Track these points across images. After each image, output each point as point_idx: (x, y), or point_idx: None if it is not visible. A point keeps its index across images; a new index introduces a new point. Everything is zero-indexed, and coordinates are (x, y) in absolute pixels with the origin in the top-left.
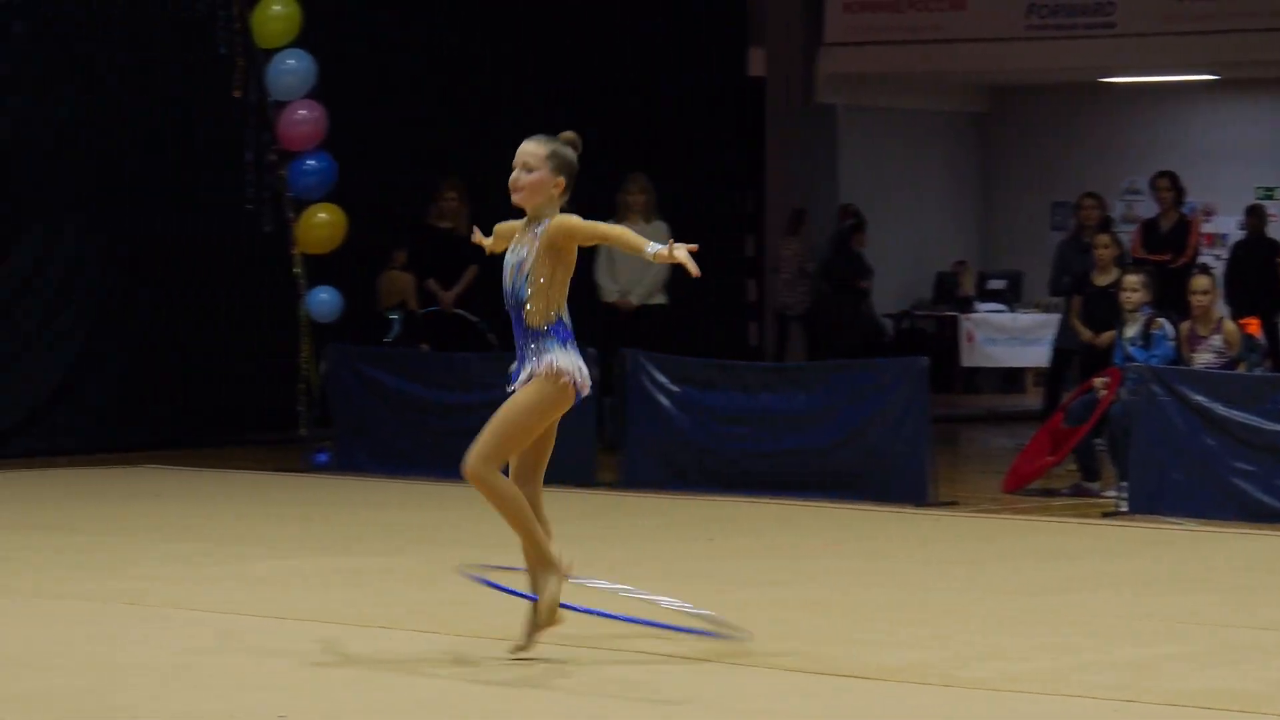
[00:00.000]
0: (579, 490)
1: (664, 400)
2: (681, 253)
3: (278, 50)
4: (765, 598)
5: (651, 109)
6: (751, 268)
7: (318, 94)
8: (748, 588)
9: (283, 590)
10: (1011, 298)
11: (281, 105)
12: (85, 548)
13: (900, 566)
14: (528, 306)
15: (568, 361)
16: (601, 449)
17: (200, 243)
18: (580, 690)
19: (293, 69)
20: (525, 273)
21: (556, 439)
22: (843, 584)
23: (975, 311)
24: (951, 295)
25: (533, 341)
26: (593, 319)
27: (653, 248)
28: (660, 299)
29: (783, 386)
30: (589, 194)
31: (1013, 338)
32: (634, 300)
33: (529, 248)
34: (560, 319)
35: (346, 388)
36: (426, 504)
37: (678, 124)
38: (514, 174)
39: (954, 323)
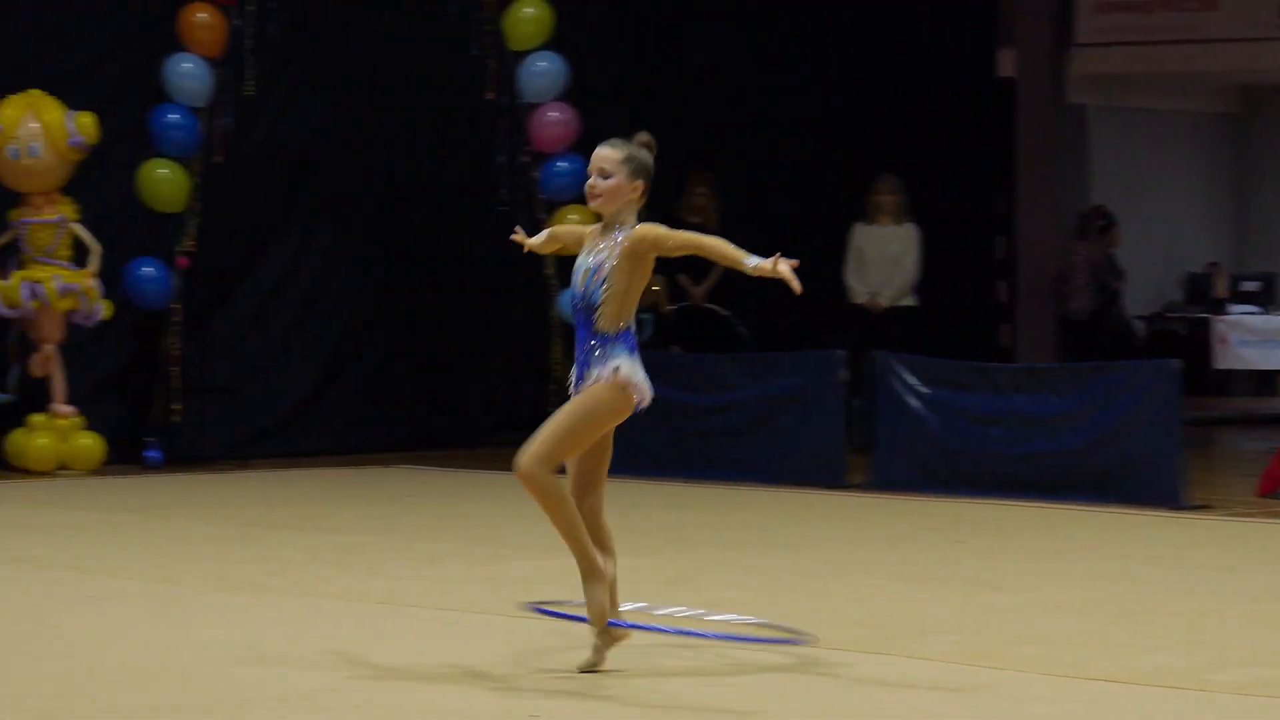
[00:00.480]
0: (829, 492)
1: (914, 402)
2: (784, 267)
3: (530, 52)
4: (1015, 601)
5: (902, 110)
6: (1002, 269)
7: (569, 95)
8: (997, 591)
9: (533, 590)
10: (1265, 300)
11: (533, 107)
12: (339, 547)
13: (1152, 570)
14: (600, 312)
15: (633, 371)
16: (851, 451)
17: (453, 244)
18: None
19: (544, 71)
20: (602, 278)
21: (808, 439)
22: (1093, 587)
23: (1228, 314)
24: (1203, 297)
25: (599, 347)
26: (842, 321)
27: (752, 260)
28: (910, 300)
29: (1034, 388)
30: (839, 194)
31: (1267, 340)
32: (883, 302)
33: (608, 253)
34: (629, 328)
35: None
36: (676, 505)
37: (928, 125)
38: (590, 180)
39: (1206, 324)
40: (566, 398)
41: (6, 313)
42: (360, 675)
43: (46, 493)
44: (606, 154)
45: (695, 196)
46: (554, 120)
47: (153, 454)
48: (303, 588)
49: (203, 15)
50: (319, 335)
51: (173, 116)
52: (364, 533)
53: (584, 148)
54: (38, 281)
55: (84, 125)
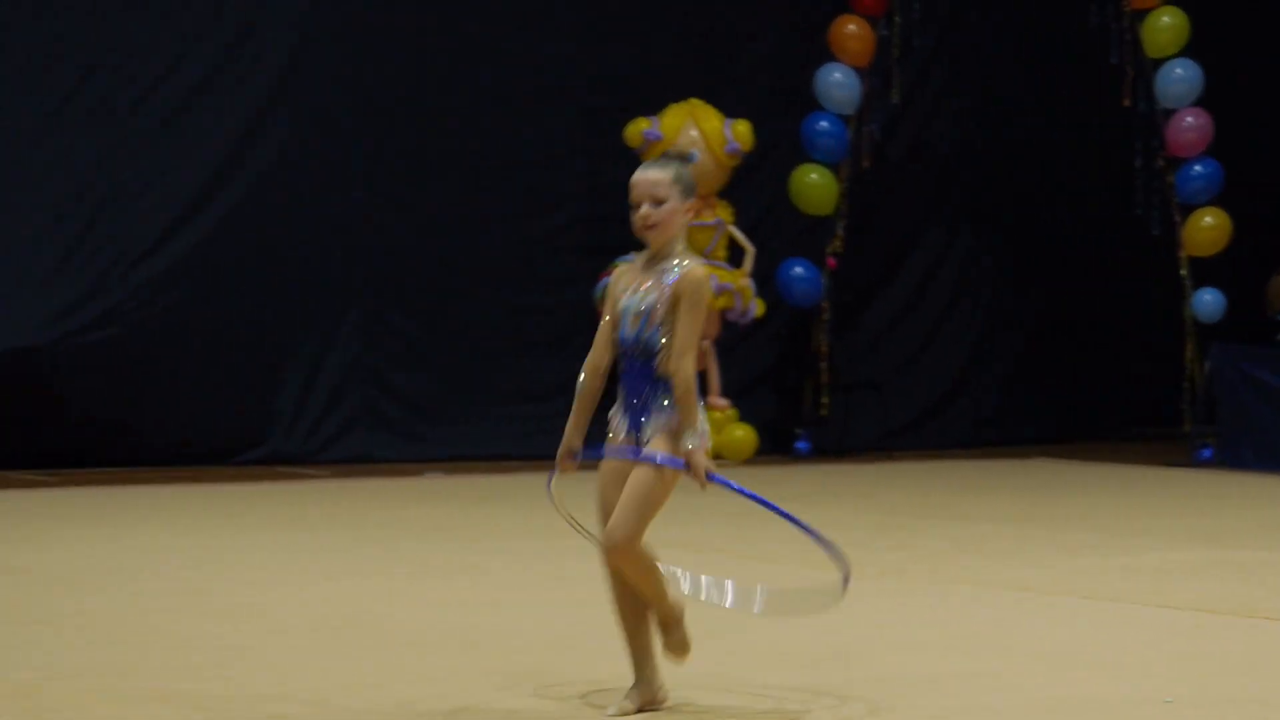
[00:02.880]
0: None
1: None
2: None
3: (1166, 60)
4: None
5: None
6: None
7: (1205, 101)
8: None
9: (1165, 580)
10: None
11: (1169, 113)
12: (978, 536)
13: None
14: (660, 357)
15: (699, 421)
16: None
17: (1089, 245)
18: None
19: (1181, 77)
20: (657, 323)
21: None
22: None
23: None
24: None
25: (664, 394)
26: None
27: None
28: None
29: None
30: None
31: None
32: None
33: (657, 296)
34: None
35: (1231, 386)
36: None
37: None
38: (642, 209)
39: None
40: (1198, 393)
41: None
42: (994, 659)
43: None
44: (655, 177)
45: None
46: (1190, 126)
47: (802, 445)
48: (943, 574)
49: (852, 27)
50: (958, 334)
51: (823, 124)
52: (1000, 522)
53: (1218, 152)
54: None
55: (740, 133)
